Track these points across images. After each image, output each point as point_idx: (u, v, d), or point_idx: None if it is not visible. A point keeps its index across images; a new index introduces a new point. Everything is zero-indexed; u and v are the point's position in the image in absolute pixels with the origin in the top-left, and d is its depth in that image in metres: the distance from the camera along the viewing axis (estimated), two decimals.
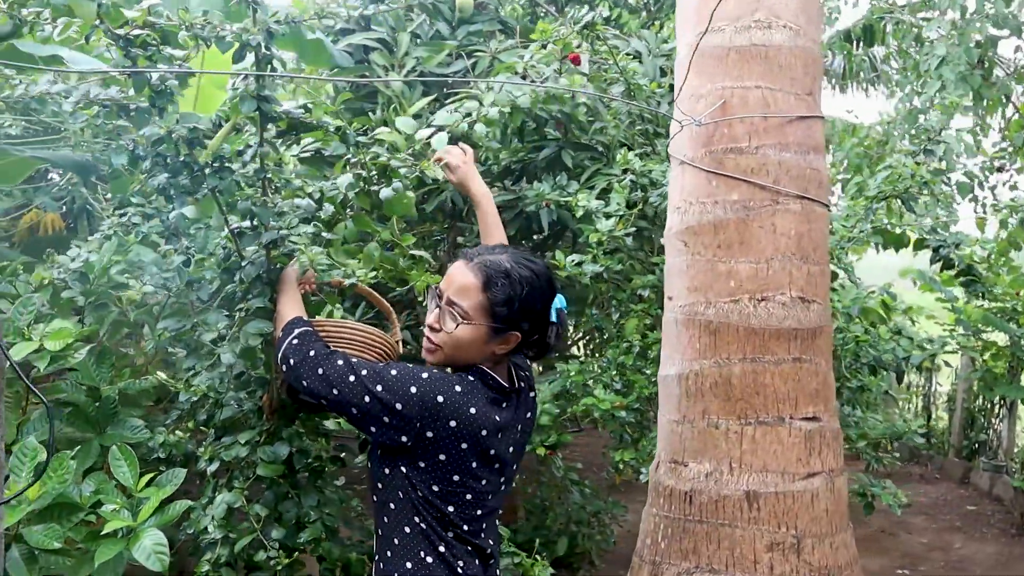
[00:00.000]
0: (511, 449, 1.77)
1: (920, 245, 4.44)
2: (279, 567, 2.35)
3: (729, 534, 2.27)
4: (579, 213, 3.43)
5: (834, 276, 4.11)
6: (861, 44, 6.98)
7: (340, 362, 1.71)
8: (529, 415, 1.90)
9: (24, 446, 2.22)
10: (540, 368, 4.97)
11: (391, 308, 2.03)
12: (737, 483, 2.28)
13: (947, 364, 8.59)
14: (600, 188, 3.85)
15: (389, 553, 1.74)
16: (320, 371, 1.71)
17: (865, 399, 3.98)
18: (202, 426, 2.53)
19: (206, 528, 2.29)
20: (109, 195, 5.72)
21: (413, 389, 1.66)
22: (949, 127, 4.87)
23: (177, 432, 2.52)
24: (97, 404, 2.61)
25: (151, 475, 2.31)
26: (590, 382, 3.51)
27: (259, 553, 2.35)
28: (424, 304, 2.85)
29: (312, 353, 1.75)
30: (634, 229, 3.48)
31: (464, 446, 1.67)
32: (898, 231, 4.24)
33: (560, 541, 5.34)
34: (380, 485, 1.76)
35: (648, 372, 3.60)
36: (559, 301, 1.79)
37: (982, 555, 6.17)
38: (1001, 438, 7.75)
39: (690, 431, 2.37)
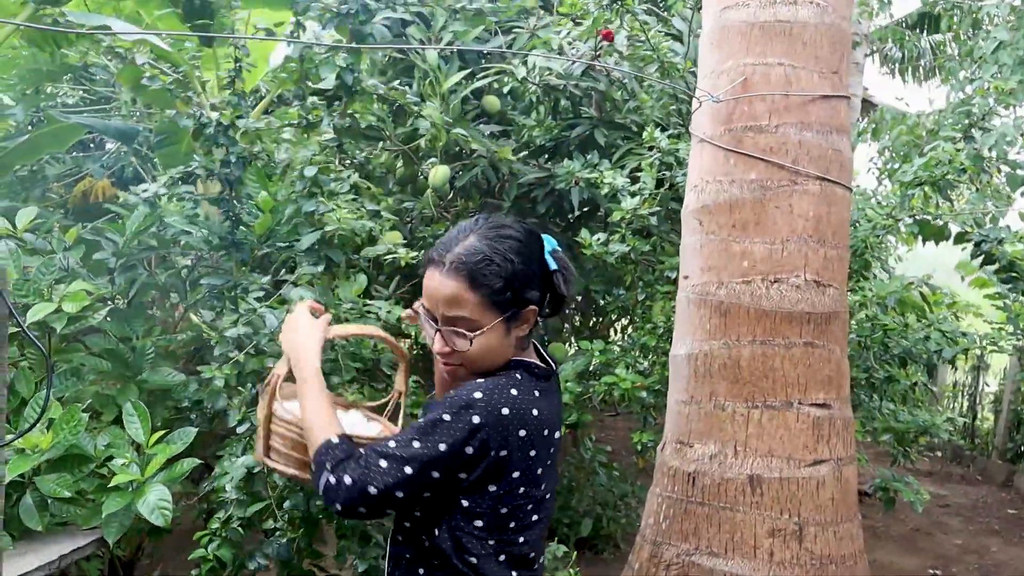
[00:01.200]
0: (558, 436, 1.59)
1: (961, 239, 4.30)
2: (285, 537, 2.39)
3: (730, 517, 2.23)
4: (605, 191, 3.40)
5: (868, 264, 4.01)
6: (917, 31, 6.78)
7: (384, 463, 1.46)
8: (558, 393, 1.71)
9: (38, 398, 2.29)
10: (571, 350, 4.95)
11: (405, 354, 1.80)
12: (741, 466, 2.25)
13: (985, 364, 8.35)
14: (632, 167, 3.81)
15: None
16: (373, 489, 1.45)
17: (894, 391, 3.89)
18: (238, 385, 2.58)
19: (224, 487, 2.33)
20: (158, 163, 5.84)
21: (476, 419, 1.45)
22: (1001, 115, 4.69)
23: (217, 374, 2.52)
24: (132, 352, 2.67)
25: (163, 432, 2.36)
26: (613, 362, 3.48)
27: (268, 521, 2.40)
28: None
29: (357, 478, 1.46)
30: (659, 209, 3.43)
31: (532, 452, 1.51)
32: (938, 222, 4.11)
33: (585, 522, 5.34)
34: (409, 524, 1.56)
35: None
36: (549, 244, 1.60)
37: (1019, 561, 6.00)
38: None
39: (697, 412, 2.34)
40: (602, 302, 5.47)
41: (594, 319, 5.75)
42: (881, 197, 4.05)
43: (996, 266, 3.84)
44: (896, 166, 5.68)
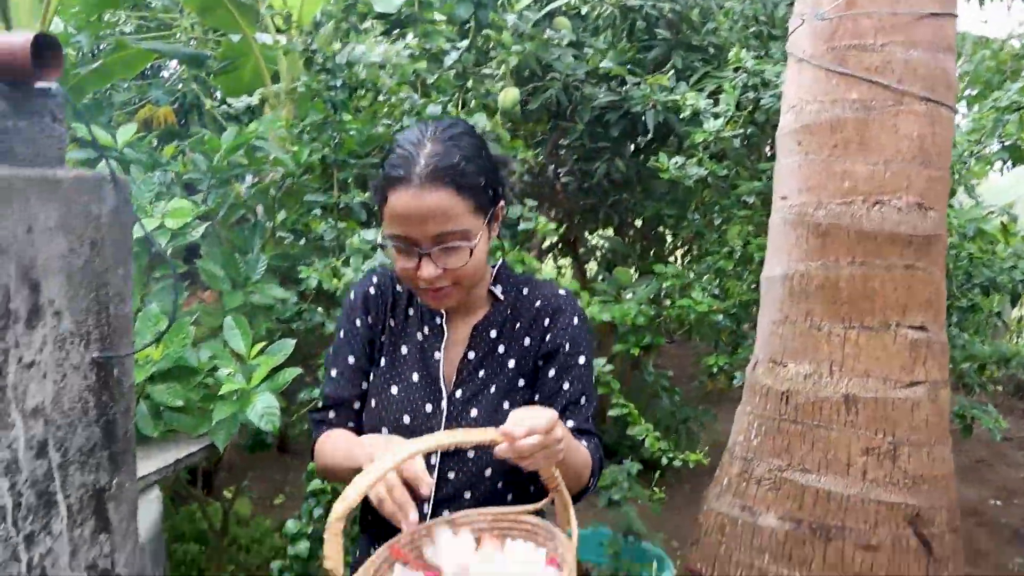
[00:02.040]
0: None
1: None
2: None
3: (824, 436, 2.25)
4: (686, 113, 3.34)
5: (952, 192, 3.91)
6: None
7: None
8: None
9: (147, 313, 2.37)
10: (636, 273, 4.94)
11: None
12: (836, 386, 2.25)
13: None
14: (710, 90, 3.74)
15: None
16: None
17: (975, 321, 3.83)
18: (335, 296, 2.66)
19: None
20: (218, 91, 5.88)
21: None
22: None
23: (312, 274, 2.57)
24: (246, 265, 2.72)
25: (263, 344, 2.43)
26: (687, 286, 3.48)
27: None
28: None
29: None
30: (742, 131, 3.37)
31: None
32: None
33: (663, 444, 5.42)
34: None
35: (748, 279, 3.54)
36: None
37: None
38: None
39: (791, 332, 2.34)
40: (662, 230, 5.45)
41: (656, 246, 5.73)
42: (970, 121, 3.92)
43: None
44: (975, 92, 5.49)
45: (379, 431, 1.43)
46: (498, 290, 1.51)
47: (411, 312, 1.51)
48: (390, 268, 1.58)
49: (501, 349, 1.48)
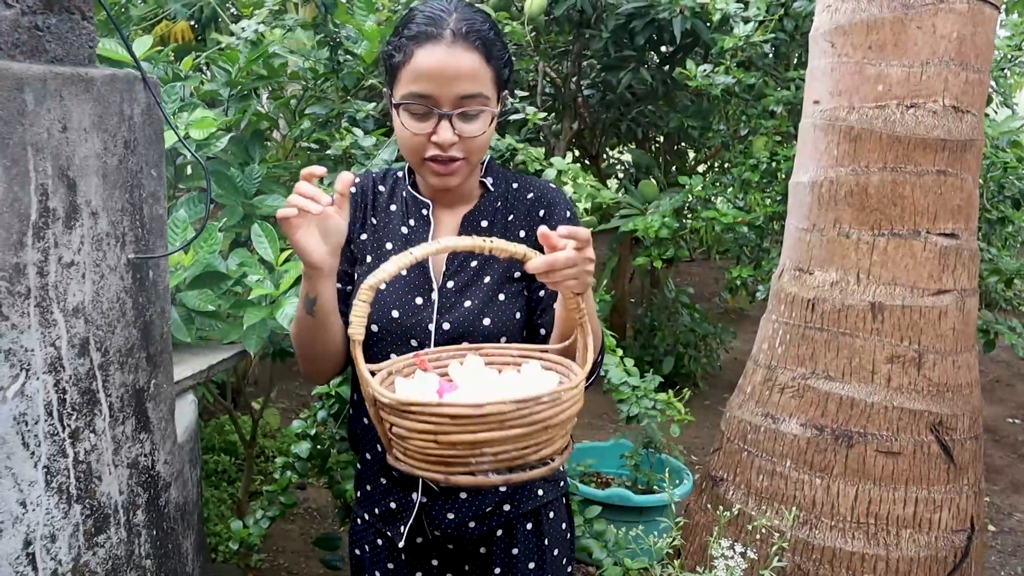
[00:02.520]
0: None
1: None
2: None
3: (849, 343, 2.25)
4: (716, 17, 3.25)
5: (988, 100, 3.82)
6: None
7: None
8: None
9: (175, 219, 2.38)
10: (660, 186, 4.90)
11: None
12: (863, 293, 2.25)
13: None
14: None
15: None
16: None
17: (1004, 234, 3.79)
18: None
19: None
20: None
21: None
22: None
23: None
24: (243, 177, 2.72)
25: (290, 251, 2.45)
26: (712, 197, 3.45)
27: None
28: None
29: None
30: (772, 37, 3.29)
31: None
32: None
33: (667, 360, 5.48)
34: None
35: (773, 191, 3.51)
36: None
37: None
38: None
39: (819, 239, 2.32)
40: (684, 146, 5.37)
41: (678, 161, 5.66)
42: (1009, 27, 3.79)
43: None
44: None
45: (367, 329, 1.43)
46: (488, 181, 1.51)
47: (393, 208, 1.50)
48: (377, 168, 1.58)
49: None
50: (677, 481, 3.56)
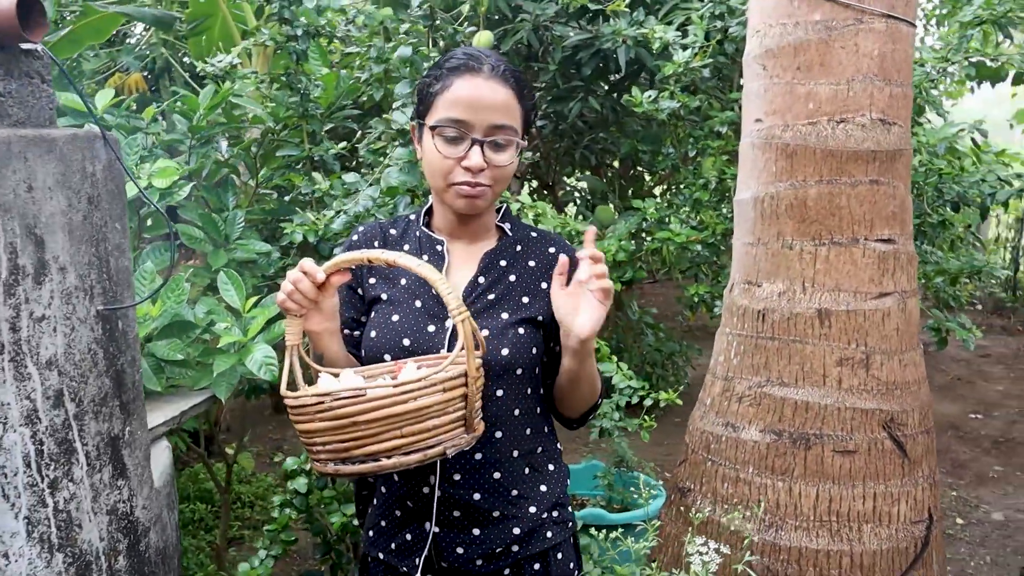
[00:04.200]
0: None
1: (1020, 79, 4.24)
2: None
3: (800, 350, 2.35)
4: (656, 46, 3.38)
5: (921, 110, 3.99)
6: None
7: None
8: None
9: (143, 271, 2.43)
10: (618, 211, 5.02)
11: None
12: (810, 301, 2.35)
13: None
14: (679, 23, 3.78)
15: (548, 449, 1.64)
16: None
17: (947, 236, 3.94)
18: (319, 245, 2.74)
19: None
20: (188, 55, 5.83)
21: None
22: None
23: (297, 230, 2.66)
24: (224, 223, 2.78)
25: (256, 298, 2.50)
26: (666, 218, 3.55)
27: None
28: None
29: None
30: (711, 61, 3.42)
31: None
32: (995, 64, 4.04)
33: (634, 381, 5.55)
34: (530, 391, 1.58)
35: (725, 209, 3.62)
36: None
37: None
38: None
39: (764, 252, 2.42)
40: (639, 169, 5.50)
41: (634, 185, 5.79)
42: (934, 39, 3.97)
43: None
44: (943, 10, 5.51)
45: (381, 358, 1.51)
46: (506, 226, 1.60)
47: (406, 248, 1.58)
48: (379, 218, 1.68)
49: (512, 278, 1.55)
50: (650, 499, 3.62)
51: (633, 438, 4.59)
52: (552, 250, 1.59)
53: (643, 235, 3.81)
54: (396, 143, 2.81)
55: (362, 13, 3.00)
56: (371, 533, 1.64)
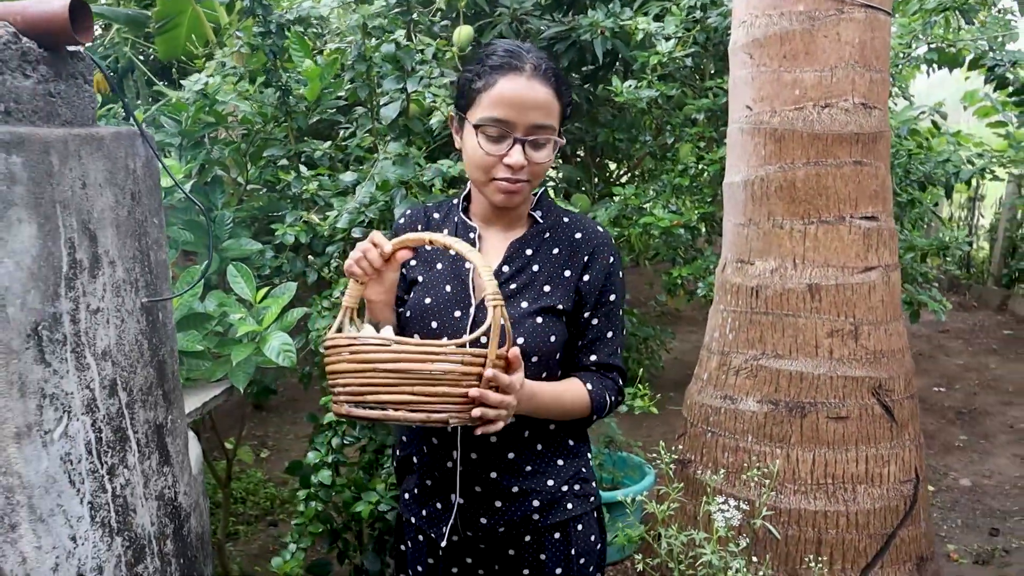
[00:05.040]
0: None
1: (976, 64, 4.43)
2: None
3: (793, 323, 2.48)
4: (638, 37, 3.49)
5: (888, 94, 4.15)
6: None
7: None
8: None
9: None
10: (593, 199, 5.13)
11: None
12: (800, 277, 2.48)
13: (980, 196, 8.57)
14: (654, 14, 3.89)
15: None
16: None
17: (915, 214, 4.12)
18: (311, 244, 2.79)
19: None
20: (156, 54, 5.79)
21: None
22: None
23: (289, 231, 2.70)
24: (213, 223, 2.82)
25: (266, 289, 2.55)
26: (647, 204, 3.67)
27: None
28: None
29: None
30: (693, 50, 3.54)
31: None
32: (953, 49, 4.23)
33: None
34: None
35: (704, 193, 3.75)
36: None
37: (1016, 375, 6.45)
38: None
39: (756, 232, 2.55)
40: (605, 160, 5.61)
41: (600, 173, 5.91)
42: (898, 26, 4.15)
43: (1010, 89, 3.99)
44: None
45: (411, 336, 1.59)
46: (538, 214, 1.65)
47: (446, 232, 1.65)
48: (421, 204, 1.76)
49: (535, 268, 1.60)
50: (640, 477, 3.74)
51: (620, 418, 4.71)
52: (579, 236, 1.64)
53: (623, 221, 3.92)
54: (388, 137, 2.87)
55: (338, 17, 3.02)
56: (407, 497, 1.72)
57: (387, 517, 2.56)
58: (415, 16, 3.66)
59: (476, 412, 1.32)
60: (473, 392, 1.32)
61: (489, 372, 1.32)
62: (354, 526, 2.86)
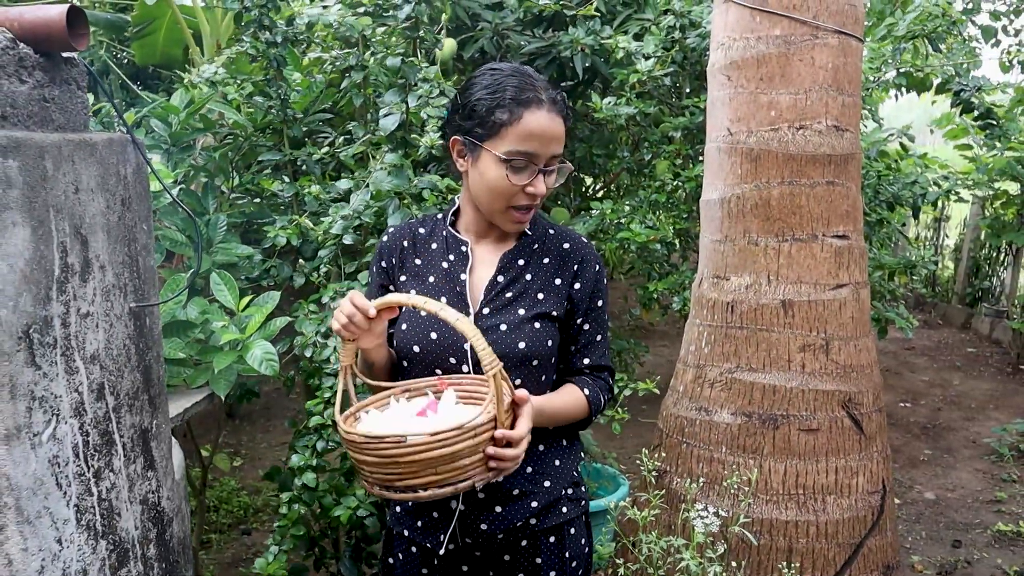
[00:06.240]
0: None
1: (943, 88, 4.56)
2: None
3: (766, 337, 2.54)
4: (618, 55, 3.55)
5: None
6: None
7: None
8: None
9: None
10: (571, 213, 5.18)
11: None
12: (774, 293, 2.54)
13: (946, 216, 8.74)
14: (633, 33, 3.96)
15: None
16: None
17: (884, 234, 4.22)
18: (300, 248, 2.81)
19: (328, 359, 2.57)
20: (135, 57, 5.77)
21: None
22: None
23: (280, 234, 2.72)
24: (206, 226, 2.82)
25: (249, 297, 2.57)
26: (623, 220, 3.72)
27: None
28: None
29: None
30: (672, 69, 3.61)
31: None
32: (921, 74, 4.35)
33: None
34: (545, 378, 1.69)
35: (680, 209, 3.82)
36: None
37: (978, 391, 6.59)
38: (1004, 284, 8.06)
39: (732, 248, 2.61)
40: (581, 175, 5.67)
41: (587, 186, 5.97)
42: (868, 51, 4.26)
43: (975, 114, 4.12)
44: (869, 23, 5.85)
45: (411, 348, 1.63)
46: (526, 227, 1.71)
47: (434, 246, 1.70)
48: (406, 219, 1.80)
49: (528, 277, 1.67)
50: (614, 487, 3.78)
51: (594, 429, 4.75)
52: (567, 246, 1.71)
53: (600, 235, 3.98)
54: (385, 148, 2.90)
55: (343, 24, 3.07)
56: (398, 509, 1.74)
57: (366, 523, 2.58)
58: (421, 32, 3.71)
59: (493, 471, 1.41)
60: (490, 451, 1.40)
61: (499, 433, 1.40)
62: (331, 533, 2.87)
